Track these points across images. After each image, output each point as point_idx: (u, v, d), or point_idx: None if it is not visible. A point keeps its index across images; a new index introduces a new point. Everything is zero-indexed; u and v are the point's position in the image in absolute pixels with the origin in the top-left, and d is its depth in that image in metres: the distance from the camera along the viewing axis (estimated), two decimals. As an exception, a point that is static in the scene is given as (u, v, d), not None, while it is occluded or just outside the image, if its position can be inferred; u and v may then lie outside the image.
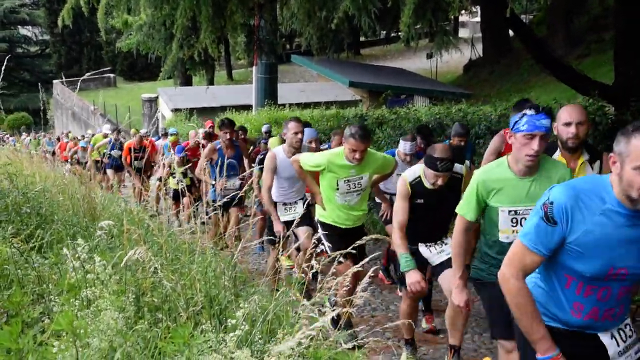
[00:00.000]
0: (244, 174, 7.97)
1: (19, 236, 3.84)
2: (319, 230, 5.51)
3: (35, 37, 62.19)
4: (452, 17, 26.03)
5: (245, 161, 8.83)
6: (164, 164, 11.28)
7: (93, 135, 21.83)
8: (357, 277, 4.36)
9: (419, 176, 4.63)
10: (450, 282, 4.27)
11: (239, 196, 6.85)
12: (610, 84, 8.72)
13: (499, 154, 5.37)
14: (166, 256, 3.55)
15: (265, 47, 12.38)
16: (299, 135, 6.21)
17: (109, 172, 13.78)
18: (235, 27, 10.74)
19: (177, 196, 11.09)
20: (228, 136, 8.05)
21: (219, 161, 7.75)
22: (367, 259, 3.60)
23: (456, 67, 29.47)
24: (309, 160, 5.56)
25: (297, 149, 6.25)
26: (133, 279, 3.10)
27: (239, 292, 3.56)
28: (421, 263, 4.82)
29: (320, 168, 5.44)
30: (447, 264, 4.68)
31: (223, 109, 22.65)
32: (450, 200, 4.44)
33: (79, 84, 8.53)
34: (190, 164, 10.39)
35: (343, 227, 5.57)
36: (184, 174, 10.55)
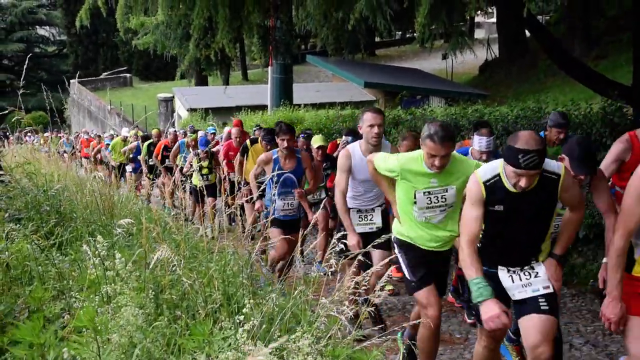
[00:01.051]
0: (307, 190, 6.81)
1: (39, 233, 3.89)
2: (395, 249, 4.52)
3: (53, 37, 62.71)
4: (468, 17, 25.92)
5: (308, 175, 6.92)
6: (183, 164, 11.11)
7: (114, 136, 21.85)
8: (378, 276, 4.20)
9: (498, 174, 3.53)
10: (535, 332, 3.53)
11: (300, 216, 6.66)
12: (628, 85, 8.65)
13: (622, 163, 4.48)
14: (184, 254, 3.58)
15: (281, 48, 12.41)
16: (376, 129, 5.11)
17: (131, 175, 13.70)
18: (251, 28, 10.78)
19: (197, 194, 9.69)
20: (286, 144, 6.40)
21: (275, 175, 6.10)
22: (386, 260, 3.57)
23: (472, 68, 29.34)
24: (383, 162, 4.46)
25: (375, 145, 5.20)
26: (152, 276, 3.13)
27: (256, 291, 3.58)
28: (500, 291, 3.68)
29: (393, 174, 4.34)
30: (533, 304, 3.63)
31: (238, 109, 22.70)
32: (544, 208, 3.57)
33: (95, 83, 8.58)
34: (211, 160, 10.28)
35: (425, 248, 4.36)
36: (210, 170, 10.28)
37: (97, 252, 2.93)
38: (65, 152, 19.75)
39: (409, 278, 4.39)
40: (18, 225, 4.02)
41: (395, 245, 4.54)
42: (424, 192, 4.16)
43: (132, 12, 12.14)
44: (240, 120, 11.98)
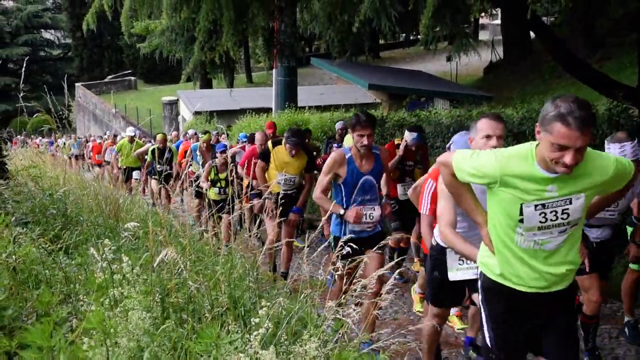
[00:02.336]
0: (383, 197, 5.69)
1: (46, 237, 3.90)
2: (479, 293, 3.29)
3: (58, 41, 62.98)
4: (472, 19, 25.92)
5: (382, 180, 5.82)
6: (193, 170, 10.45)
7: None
8: (381, 281, 3.87)
9: None
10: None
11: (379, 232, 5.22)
12: (634, 86, 8.63)
13: None
14: (190, 257, 3.59)
15: (285, 50, 12.41)
16: (493, 141, 3.77)
17: (154, 183, 12.53)
18: (256, 30, 10.80)
19: (220, 209, 7.96)
20: (366, 142, 5.01)
21: (350, 178, 5.11)
22: (390, 264, 3.56)
23: (476, 70, 29.32)
24: (468, 162, 3.03)
25: None
26: (158, 280, 3.14)
27: (262, 294, 3.58)
28: None
29: (485, 181, 2.98)
30: None
31: (243, 111, 22.71)
32: None
33: (100, 86, 8.59)
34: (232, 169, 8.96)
35: (527, 291, 3.04)
36: (227, 182, 9.01)
37: (104, 255, 2.94)
38: (73, 154, 19.41)
39: (488, 345, 3.17)
40: (25, 229, 4.04)
41: (479, 286, 3.28)
42: (536, 206, 2.88)
43: (137, 16, 12.17)
44: (274, 122, 11.39)
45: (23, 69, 6.57)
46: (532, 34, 22.27)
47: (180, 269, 3.09)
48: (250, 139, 10.30)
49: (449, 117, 10.66)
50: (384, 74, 27.63)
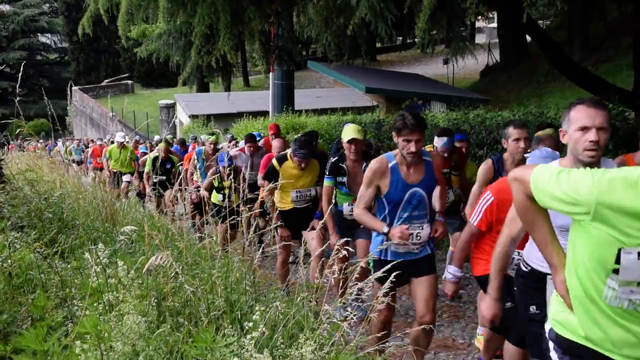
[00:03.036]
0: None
1: (41, 241, 3.89)
2: (551, 352, 2.51)
3: (54, 45, 62.94)
4: (469, 22, 26.00)
5: (435, 193, 4.81)
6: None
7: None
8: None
9: None
10: None
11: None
12: (629, 89, 8.65)
13: None
14: (187, 261, 3.58)
15: (283, 54, 12.43)
16: (591, 135, 2.86)
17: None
18: (252, 34, 10.81)
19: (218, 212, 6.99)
20: (414, 148, 4.26)
21: (394, 191, 4.36)
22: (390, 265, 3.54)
23: (473, 73, 29.38)
24: (553, 182, 2.29)
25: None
26: (154, 284, 3.13)
27: (259, 297, 3.58)
28: None
29: (577, 209, 2.20)
30: None
31: (240, 115, 22.72)
32: None
33: (97, 90, 8.55)
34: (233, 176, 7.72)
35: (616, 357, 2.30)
36: (233, 189, 7.80)
37: (98, 259, 2.93)
38: (74, 160, 18.85)
39: None
40: (20, 233, 4.03)
41: (552, 345, 2.52)
42: None
43: (134, 20, 12.18)
44: (277, 125, 10.74)
45: (20, 74, 6.54)
46: (528, 37, 22.36)
47: (176, 273, 3.08)
48: (248, 140, 9.54)
49: (446, 120, 10.66)
50: (381, 77, 27.67)
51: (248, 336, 2.47)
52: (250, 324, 2.60)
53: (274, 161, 6.66)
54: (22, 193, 5.17)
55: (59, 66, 60.24)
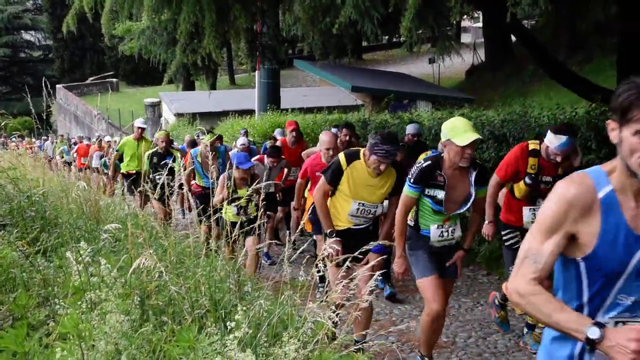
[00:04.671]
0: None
1: (24, 240, 3.86)
2: None
3: (38, 42, 62.45)
4: (454, 22, 26.10)
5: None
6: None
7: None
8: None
9: None
10: None
11: None
12: (613, 88, 8.73)
13: None
14: (171, 259, 3.56)
15: (268, 53, 12.41)
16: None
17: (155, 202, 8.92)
18: (238, 33, 10.78)
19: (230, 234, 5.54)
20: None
21: (611, 247, 2.04)
22: (372, 262, 3.54)
23: (458, 72, 29.49)
24: None
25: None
26: (138, 282, 3.11)
27: (243, 296, 3.56)
28: None
29: None
30: None
31: (226, 113, 22.69)
32: None
33: (81, 88, 8.41)
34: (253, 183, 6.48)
35: None
36: (250, 199, 6.90)
37: (81, 258, 2.91)
38: (66, 162, 17.93)
39: None
40: (2, 231, 3.99)
41: None
42: None
43: (118, 18, 12.11)
44: (296, 122, 10.06)
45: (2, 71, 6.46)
46: (513, 37, 22.47)
47: (160, 272, 3.06)
48: (272, 155, 8.58)
49: (431, 119, 10.70)
50: (367, 76, 27.70)
51: (231, 335, 2.46)
52: (231, 324, 2.58)
53: (342, 157, 4.99)
54: (4, 191, 5.11)
55: (43, 64, 59.76)
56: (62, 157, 17.85)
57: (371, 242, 3.84)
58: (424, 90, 24.02)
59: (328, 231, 4.88)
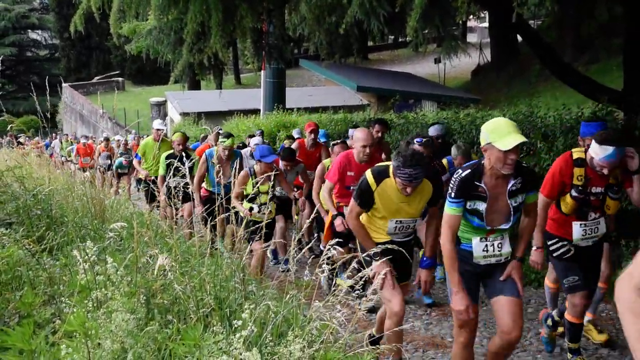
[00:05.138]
0: None
1: (30, 238, 3.87)
2: None
3: (45, 41, 62.68)
4: (460, 22, 26.06)
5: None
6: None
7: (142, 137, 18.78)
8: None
9: None
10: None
11: None
12: (619, 89, 8.70)
13: None
14: (176, 258, 3.57)
15: (274, 52, 12.40)
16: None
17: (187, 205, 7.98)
18: (244, 32, 10.78)
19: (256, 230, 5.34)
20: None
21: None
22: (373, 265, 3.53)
23: (464, 72, 29.46)
24: None
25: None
26: (143, 281, 3.12)
27: (248, 295, 3.57)
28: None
29: None
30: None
31: (231, 113, 22.73)
32: None
33: (88, 87, 8.39)
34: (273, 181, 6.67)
35: None
36: (271, 197, 6.80)
37: (87, 256, 2.91)
38: (71, 161, 17.65)
39: None
40: (9, 230, 4.00)
41: None
42: None
43: (125, 17, 12.12)
44: (315, 123, 9.65)
45: (0, 69, 6.49)
46: (519, 37, 22.43)
47: (165, 270, 3.07)
48: (287, 158, 7.95)
49: (437, 119, 10.68)
50: (373, 75, 27.71)
51: (237, 334, 2.47)
52: (240, 322, 2.59)
53: (369, 176, 4.51)
54: (10, 189, 5.13)
55: (49, 63, 59.98)
56: (69, 156, 17.76)
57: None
58: (430, 90, 24.03)
59: (372, 254, 4.19)
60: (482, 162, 3.90)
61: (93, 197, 5.37)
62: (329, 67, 24.18)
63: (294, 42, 13.63)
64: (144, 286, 3.08)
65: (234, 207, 5.01)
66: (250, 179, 6.76)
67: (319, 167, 7.26)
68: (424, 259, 4.66)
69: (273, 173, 5.67)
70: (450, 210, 3.93)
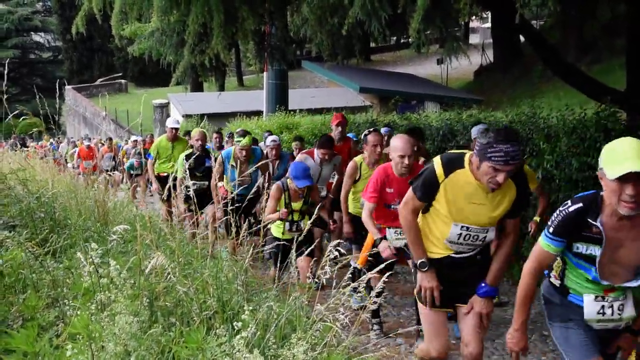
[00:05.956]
0: None
1: (33, 241, 3.88)
2: None
3: (48, 44, 62.83)
4: (463, 23, 26.05)
5: None
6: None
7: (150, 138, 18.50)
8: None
9: None
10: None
11: None
12: (622, 90, 8.69)
13: None
14: (179, 261, 3.57)
15: (276, 54, 12.40)
16: None
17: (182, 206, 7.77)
18: (246, 34, 10.78)
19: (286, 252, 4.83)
20: None
21: None
22: (380, 266, 3.51)
23: (466, 73, 29.44)
24: None
25: None
26: (147, 283, 3.12)
27: (251, 297, 3.57)
28: None
29: None
30: None
31: (234, 114, 22.75)
32: None
33: (90, 89, 8.37)
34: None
35: None
36: (304, 213, 6.18)
37: (90, 259, 2.92)
38: (73, 166, 17.23)
39: None
40: (12, 232, 4.01)
41: None
42: None
43: (128, 19, 12.14)
44: (343, 114, 8.74)
45: (6, 71, 6.52)
46: (522, 38, 22.42)
47: (168, 273, 3.07)
48: (325, 145, 7.15)
49: (439, 120, 10.68)
50: (375, 77, 27.73)
51: (238, 336, 2.47)
52: (238, 324, 2.59)
53: (438, 163, 3.55)
54: (13, 192, 5.15)
55: (52, 65, 60.10)
56: (71, 159, 17.60)
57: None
58: (432, 91, 24.03)
59: (419, 262, 3.65)
60: (602, 194, 2.91)
61: (96, 199, 5.38)
62: (332, 68, 24.19)
63: (296, 43, 13.61)
64: (147, 289, 3.08)
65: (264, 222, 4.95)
66: (283, 195, 6.09)
67: (350, 165, 6.35)
68: (483, 285, 3.69)
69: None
70: (544, 244, 3.07)
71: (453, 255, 3.67)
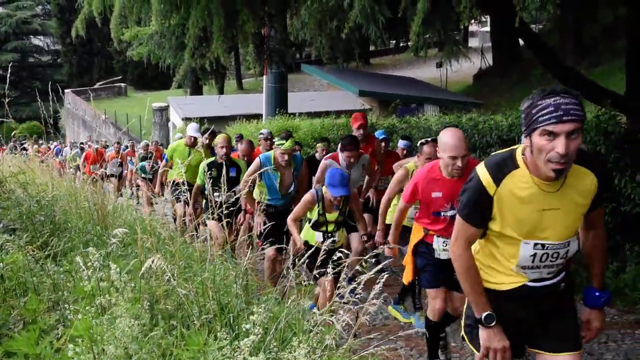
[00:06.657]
0: None
1: (34, 244, 3.88)
2: None
3: (47, 47, 62.83)
4: (462, 26, 26.10)
5: None
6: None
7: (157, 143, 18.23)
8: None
9: None
10: None
11: None
12: (621, 93, 8.70)
13: None
14: (179, 264, 3.57)
15: (275, 57, 12.43)
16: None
17: (211, 223, 6.69)
18: (246, 37, 10.80)
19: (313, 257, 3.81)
20: None
21: None
22: (379, 266, 3.48)
23: (466, 76, 29.48)
24: None
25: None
26: (147, 287, 3.12)
27: (251, 300, 3.57)
28: None
29: None
30: None
31: (233, 118, 22.78)
32: None
33: (90, 93, 8.38)
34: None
35: None
36: (339, 224, 5.73)
37: (91, 262, 2.92)
38: (79, 168, 16.76)
39: None
40: (12, 236, 4.01)
41: None
42: None
43: (127, 22, 12.15)
44: (364, 115, 8.17)
45: (8, 74, 6.53)
46: (521, 41, 22.45)
47: (168, 276, 3.08)
48: (348, 147, 6.58)
49: (439, 123, 10.69)
50: (375, 80, 27.75)
51: (244, 340, 2.47)
52: (247, 327, 2.59)
53: (482, 173, 2.69)
54: (14, 195, 5.15)
55: (51, 68, 60.12)
56: (75, 161, 17.39)
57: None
58: (432, 95, 24.05)
59: (483, 316, 2.76)
60: None
61: (96, 202, 5.38)
62: (331, 71, 24.22)
63: (296, 46, 13.64)
64: (148, 292, 3.08)
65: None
66: (317, 205, 5.54)
67: (400, 172, 5.63)
68: (594, 293, 2.87)
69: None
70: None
71: (529, 284, 2.78)
